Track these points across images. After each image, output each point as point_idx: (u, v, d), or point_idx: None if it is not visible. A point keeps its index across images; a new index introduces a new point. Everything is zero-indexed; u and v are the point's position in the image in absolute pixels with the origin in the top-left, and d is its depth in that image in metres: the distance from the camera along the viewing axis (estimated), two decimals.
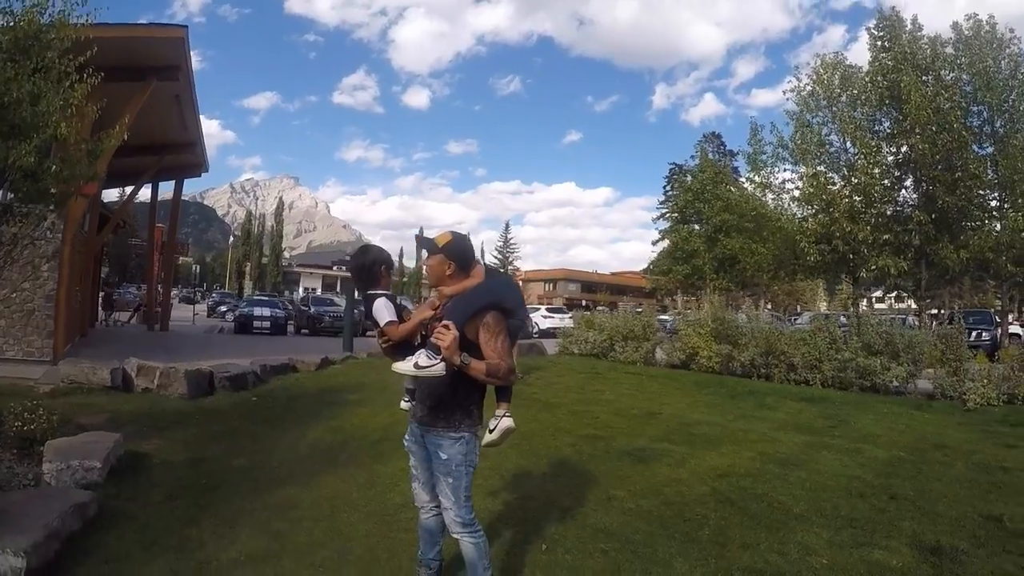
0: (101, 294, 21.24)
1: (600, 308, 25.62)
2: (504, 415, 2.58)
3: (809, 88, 18.96)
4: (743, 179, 28.70)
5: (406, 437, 2.70)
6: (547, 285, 75.16)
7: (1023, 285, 22.35)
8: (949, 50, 17.65)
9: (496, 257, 74.45)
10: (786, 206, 19.98)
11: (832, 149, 18.93)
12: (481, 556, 2.52)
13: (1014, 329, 20.38)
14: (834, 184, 18.66)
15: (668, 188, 45.73)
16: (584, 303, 54.48)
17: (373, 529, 3.56)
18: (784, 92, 19.61)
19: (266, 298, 30.37)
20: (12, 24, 4.52)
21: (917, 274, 18.47)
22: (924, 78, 17.21)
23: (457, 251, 2.49)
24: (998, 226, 17.44)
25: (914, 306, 22.09)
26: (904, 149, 17.95)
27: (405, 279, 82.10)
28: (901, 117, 17.30)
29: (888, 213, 18.27)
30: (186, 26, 10.35)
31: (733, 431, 6.65)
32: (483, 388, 2.53)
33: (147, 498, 3.97)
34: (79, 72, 4.90)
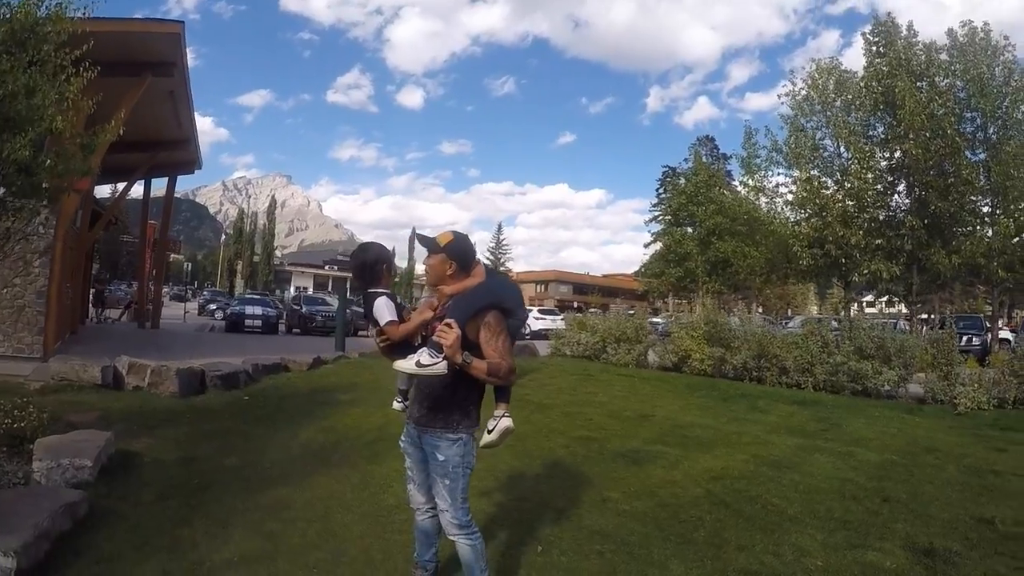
0: (92, 291, 21.07)
1: (592, 310, 25.64)
2: (503, 415, 2.56)
3: (804, 92, 19.09)
4: (736, 182, 28.85)
5: (402, 438, 2.68)
6: (538, 286, 75.15)
7: (1014, 291, 22.56)
8: (944, 56, 17.80)
9: (488, 258, 74.38)
10: (779, 210, 20.10)
11: (826, 153, 19.07)
12: (478, 558, 2.50)
13: (1004, 334, 20.53)
14: (827, 188, 18.78)
15: (661, 191, 45.83)
16: (575, 305, 54.54)
17: (367, 530, 3.54)
18: (779, 96, 19.76)
19: (257, 297, 30.23)
20: (8, 16, 4.46)
21: (909, 279, 18.62)
22: (918, 84, 17.36)
23: (458, 251, 2.48)
24: (990, 232, 17.58)
25: (905, 311, 22.25)
26: (897, 154, 18.11)
27: (397, 279, 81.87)
28: (895, 122, 17.43)
29: (881, 218, 18.40)
30: (182, 22, 10.32)
31: (726, 434, 6.66)
32: (482, 389, 2.52)
33: (138, 497, 3.93)
34: (75, 66, 4.85)
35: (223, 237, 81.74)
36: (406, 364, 2.31)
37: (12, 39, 4.45)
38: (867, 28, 18.82)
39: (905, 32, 18.19)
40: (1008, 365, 8.95)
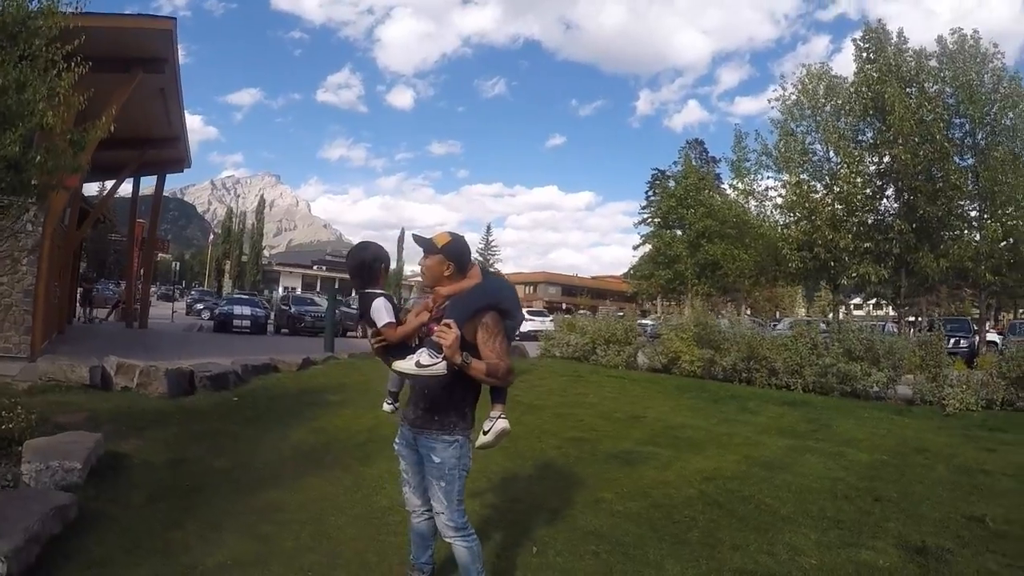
0: (80, 290, 20.83)
1: (582, 311, 25.65)
2: (499, 417, 2.55)
3: (794, 97, 19.23)
4: (726, 186, 28.98)
5: (396, 440, 2.65)
6: (527, 288, 75.15)
7: (1000, 294, 22.83)
8: (933, 63, 18.02)
9: (477, 259, 74.02)
10: (768, 213, 20.23)
11: (815, 158, 19.22)
12: (474, 560, 2.49)
13: (991, 337, 20.77)
14: (817, 192, 18.94)
15: (650, 193, 46.04)
16: (564, 306, 54.61)
17: (361, 532, 3.51)
18: (769, 100, 19.91)
19: (246, 297, 30.03)
20: (0, 10, 4.41)
21: (897, 282, 18.80)
22: (908, 90, 17.56)
23: (456, 252, 2.46)
24: (977, 236, 17.80)
25: (892, 313, 22.45)
26: (886, 159, 18.30)
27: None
28: (884, 127, 17.62)
29: (869, 222, 18.58)
30: (175, 18, 10.22)
31: (717, 434, 6.70)
32: (478, 390, 2.50)
33: (128, 500, 3.86)
34: (66, 61, 4.79)
35: (211, 236, 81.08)
36: (405, 365, 2.29)
37: (3, 33, 4.39)
38: (858, 34, 19.03)
39: (895, 39, 18.39)
40: (996, 367, 9.06)
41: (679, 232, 35.37)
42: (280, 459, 5.04)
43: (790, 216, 19.49)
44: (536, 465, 5.12)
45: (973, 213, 18.26)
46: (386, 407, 3.04)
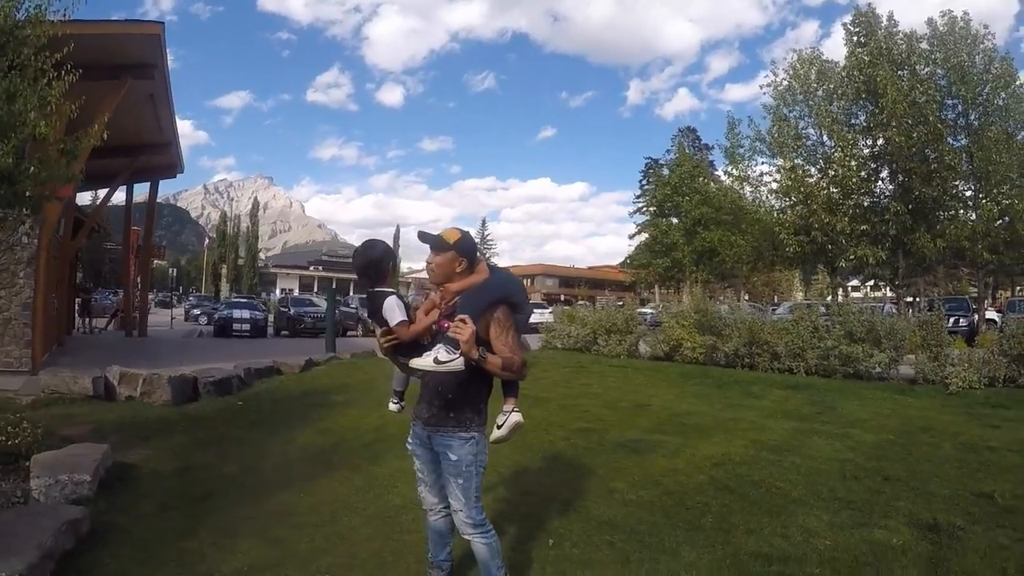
0: (78, 300, 20.73)
1: (581, 302, 25.66)
2: (512, 410, 2.55)
3: (786, 83, 19.23)
4: (720, 172, 29.01)
5: (409, 440, 2.64)
6: (525, 281, 74.99)
7: (998, 272, 22.90)
8: (924, 45, 18.06)
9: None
10: (764, 198, 20.26)
11: (809, 142, 19.28)
12: (494, 555, 2.49)
13: (990, 315, 20.87)
14: (811, 176, 18.97)
15: (644, 182, 46.00)
16: (562, 298, 54.62)
17: (376, 532, 3.50)
18: (761, 87, 19.93)
19: (244, 300, 29.95)
20: None
21: (895, 263, 18.85)
22: (900, 72, 17.60)
23: (467, 248, 2.45)
24: (973, 215, 17.86)
25: (890, 294, 22.52)
26: (880, 142, 18.36)
27: None
28: (877, 110, 17.66)
29: (865, 204, 18.64)
30: (162, 23, 10.13)
31: (723, 420, 6.72)
32: (491, 385, 2.50)
33: (139, 511, 3.83)
34: (56, 69, 4.74)
35: (206, 241, 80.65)
36: (423, 362, 2.28)
37: None
38: (848, 18, 19.05)
39: (885, 22, 18.42)
40: (997, 345, 9.09)
41: (675, 220, 35.37)
42: (288, 462, 5.02)
43: (786, 201, 19.54)
44: (545, 457, 5.12)
45: (968, 193, 18.36)
46: (392, 407, 2.98)
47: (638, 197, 45.36)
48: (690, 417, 6.84)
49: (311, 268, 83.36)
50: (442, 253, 2.41)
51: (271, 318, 24.72)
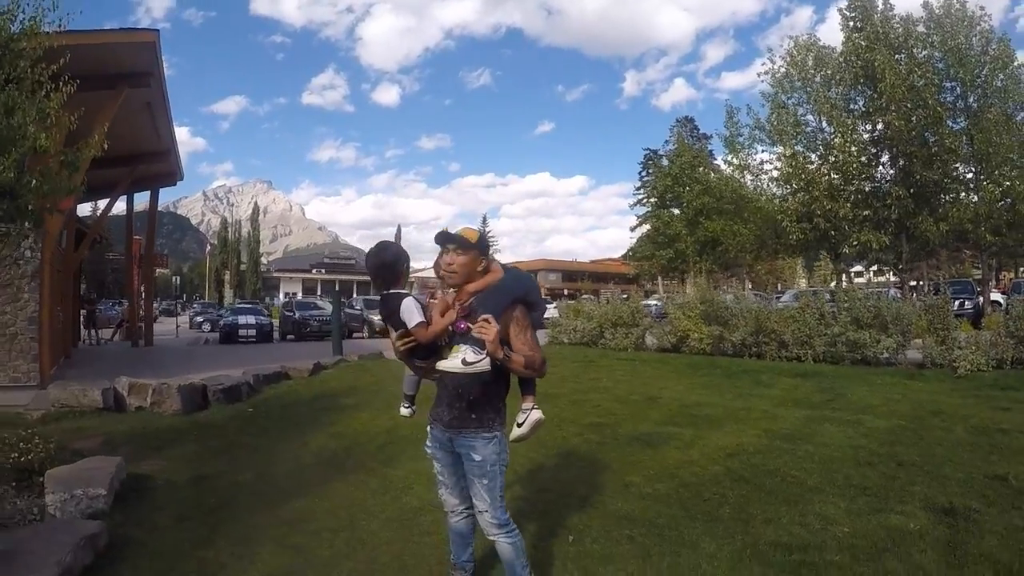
0: (83, 312, 20.76)
1: (586, 296, 25.62)
2: (532, 408, 2.54)
3: (784, 69, 19.17)
4: (720, 161, 28.94)
5: (428, 443, 2.62)
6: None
7: (1001, 253, 22.84)
8: (921, 28, 17.98)
9: None
10: (765, 187, 20.22)
11: (808, 129, 19.23)
12: (519, 555, 2.48)
13: (995, 296, 20.83)
14: (812, 163, 18.92)
15: (644, 174, 45.88)
16: (566, 292, 54.59)
17: (395, 535, 3.49)
18: (758, 74, 19.87)
19: (249, 306, 29.99)
20: None
21: (898, 247, 18.80)
22: (897, 56, 17.53)
23: (486, 246, 2.47)
24: (975, 197, 17.80)
25: (894, 279, 22.47)
26: (880, 126, 18.30)
27: None
28: (876, 95, 17.60)
29: (867, 189, 18.59)
30: (157, 30, 10.08)
31: (734, 410, 6.71)
32: (509, 384, 2.49)
33: (156, 523, 3.82)
34: (53, 81, 4.72)
35: (208, 248, 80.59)
36: (451, 364, 2.28)
37: None
38: (843, 3, 18.94)
39: (881, 6, 18.34)
40: (1004, 326, 9.07)
41: (676, 211, 35.30)
42: (302, 467, 5.02)
43: (787, 188, 19.50)
44: (560, 454, 5.12)
45: (969, 175, 18.30)
46: (404, 411, 2.91)
47: (638, 189, 45.24)
48: (701, 408, 6.83)
49: (314, 271, 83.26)
50: (466, 253, 2.38)
51: (275, 323, 24.77)
